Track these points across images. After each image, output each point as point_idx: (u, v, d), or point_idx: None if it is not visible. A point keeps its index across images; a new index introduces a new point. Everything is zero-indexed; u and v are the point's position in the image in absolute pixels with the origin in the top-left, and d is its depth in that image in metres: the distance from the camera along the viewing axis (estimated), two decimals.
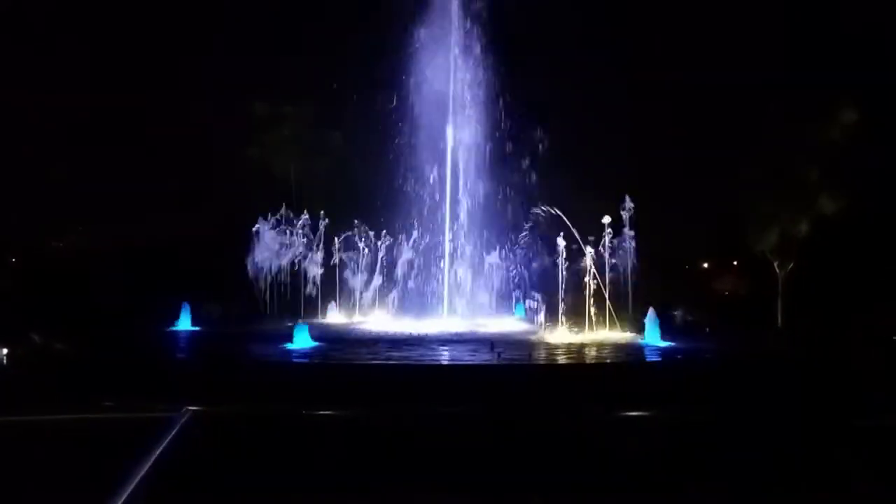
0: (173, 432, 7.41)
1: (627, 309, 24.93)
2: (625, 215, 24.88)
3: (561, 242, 23.79)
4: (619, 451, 9.75)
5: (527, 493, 8.63)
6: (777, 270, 27.47)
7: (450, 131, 27.10)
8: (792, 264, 27.26)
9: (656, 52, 36.19)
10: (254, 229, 26.37)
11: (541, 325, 22.82)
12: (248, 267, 26.47)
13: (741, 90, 32.18)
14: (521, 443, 9.88)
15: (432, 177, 27.65)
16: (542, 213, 24.49)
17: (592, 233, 24.91)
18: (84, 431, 9.76)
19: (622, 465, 9.27)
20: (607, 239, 24.29)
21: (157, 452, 7.20)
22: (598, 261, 24.12)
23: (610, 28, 35.55)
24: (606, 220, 24.02)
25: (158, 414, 8.08)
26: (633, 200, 25.58)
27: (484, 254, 28.13)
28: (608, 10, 35.79)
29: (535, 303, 23.59)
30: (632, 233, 24.87)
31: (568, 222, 24.16)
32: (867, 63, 30.43)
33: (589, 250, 23.34)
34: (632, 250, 24.94)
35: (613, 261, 24.79)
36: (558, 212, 24.33)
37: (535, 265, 24.03)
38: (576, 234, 24.13)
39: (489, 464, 9.20)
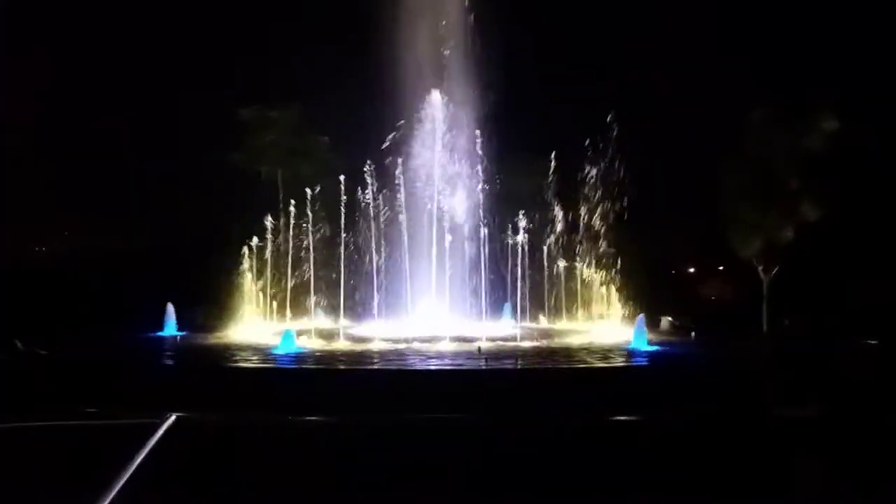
0: (156, 438, 7.32)
1: (616, 313, 25.09)
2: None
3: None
4: (605, 454, 9.76)
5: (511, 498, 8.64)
6: (762, 275, 27.61)
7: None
8: (777, 269, 27.42)
9: (643, 57, 36.52)
10: (246, 240, 26.12)
11: (529, 328, 22.86)
12: (234, 271, 26.31)
13: (725, 95, 32.45)
14: (508, 447, 9.88)
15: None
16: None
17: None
18: (66, 438, 9.67)
19: (607, 469, 9.29)
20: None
21: (140, 459, 7.10)
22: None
23: (595, 38, 35.86)
24: None
25: (141, 420, 7.98)
26: (619, 205, 25.84)
27: (472, 258, 28.15)
28: (591, 19, 36.10)
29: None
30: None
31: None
32: (849, 70, 30.80)
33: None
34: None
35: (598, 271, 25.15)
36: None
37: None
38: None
39: (476, 468, 9.19)
